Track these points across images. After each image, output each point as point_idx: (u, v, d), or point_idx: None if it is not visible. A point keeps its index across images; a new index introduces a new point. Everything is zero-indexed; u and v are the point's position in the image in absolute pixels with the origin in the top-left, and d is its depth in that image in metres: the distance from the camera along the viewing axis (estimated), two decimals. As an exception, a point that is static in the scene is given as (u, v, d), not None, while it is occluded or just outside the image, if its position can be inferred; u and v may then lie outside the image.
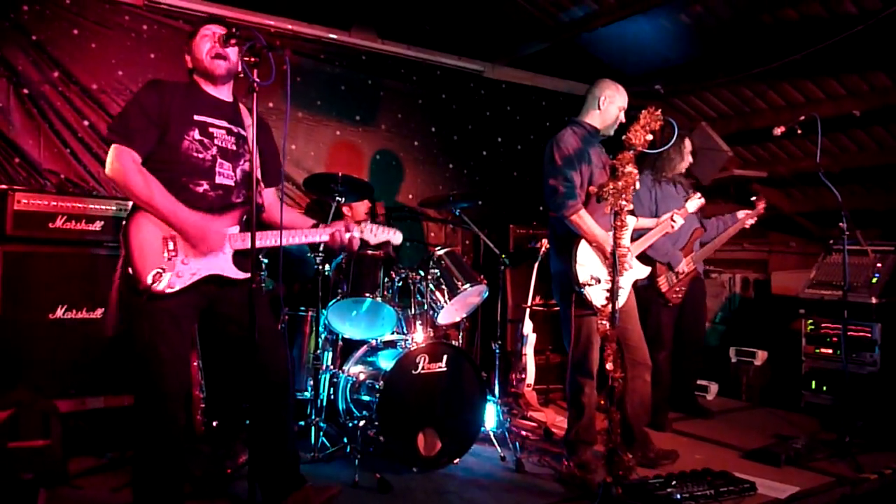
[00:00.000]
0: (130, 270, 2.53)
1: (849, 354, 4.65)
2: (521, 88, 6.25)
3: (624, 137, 3.03)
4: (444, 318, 4.12)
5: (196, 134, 2.67)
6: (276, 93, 4.83)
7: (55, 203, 3.67)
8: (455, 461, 3.72)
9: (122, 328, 3.06)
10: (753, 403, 5.40)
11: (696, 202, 4.01)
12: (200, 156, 2.67)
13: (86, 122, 4.33)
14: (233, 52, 2.71)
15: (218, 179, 2.71)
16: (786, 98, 5.80)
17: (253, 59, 2.45)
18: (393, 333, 4.04)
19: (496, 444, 3.91)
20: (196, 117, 2.69)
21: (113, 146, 2.60)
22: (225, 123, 2.77)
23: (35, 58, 4.18)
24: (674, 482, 3.10)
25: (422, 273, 4.00)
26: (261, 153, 2.85)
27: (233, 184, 2.76)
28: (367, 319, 4.03)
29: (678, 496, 3.00)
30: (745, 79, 5.69)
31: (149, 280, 2.52)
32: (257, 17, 4.86)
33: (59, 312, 3.62)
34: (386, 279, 3.95)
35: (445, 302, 3.98)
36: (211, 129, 2.71)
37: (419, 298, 4.04)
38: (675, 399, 4.90)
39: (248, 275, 2.63)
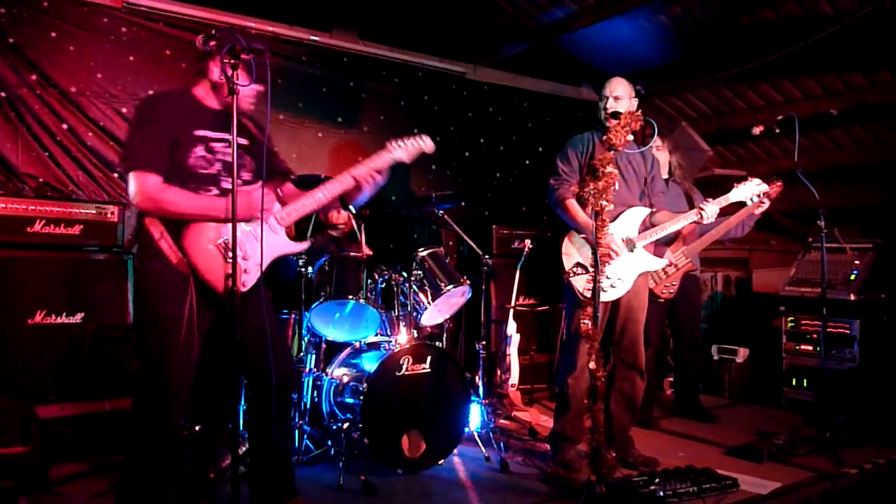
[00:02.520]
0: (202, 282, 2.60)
1: (828, 351, 4.69)
2: (503, 90, 6.25)
3: (604, 137, 3.05)
4: (427, 320, 4.12)
5: (200, 150, 2.69)
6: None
7: (34, 207, 3.64)
8: (440, 462, 3.72)
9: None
10: (735, 400, 5.44)
11: (755, 187, 3.78)
12: (206, 171, 2.70)
13: (64, 126, 4.28)
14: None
15: (223, 185, 2.73)
16: (764, 98, 5.87)
17: (233, 61, 2.44)
18: (376, 335, 4.03)
19: (481, 444, 3.91)
20: (197, 132, 2.69)
21: (132, 174, 2.58)
22: (224, 135, 2.75)
23: (12, 60, 4.12)
24: (657, 480, 3.12)
25: (405, 274, 3.99)
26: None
27: (240, 183, 2.76)
28: (351, 321, 4.02)
29: (661, 494, 3.02)
30: (724, 79, 5.75)
31: (230, 283, 2.52)
32: (237, 19, 4.83)
33: (39, 317, 3.58)
34: (369, 281, 3.93)
35: (429, 303, 3.98)
36: (212, 145, 2.72)
37: (402, 300, 4.03)
38: (679, 403, 4.91)
39: (307, 243, 2.96)
